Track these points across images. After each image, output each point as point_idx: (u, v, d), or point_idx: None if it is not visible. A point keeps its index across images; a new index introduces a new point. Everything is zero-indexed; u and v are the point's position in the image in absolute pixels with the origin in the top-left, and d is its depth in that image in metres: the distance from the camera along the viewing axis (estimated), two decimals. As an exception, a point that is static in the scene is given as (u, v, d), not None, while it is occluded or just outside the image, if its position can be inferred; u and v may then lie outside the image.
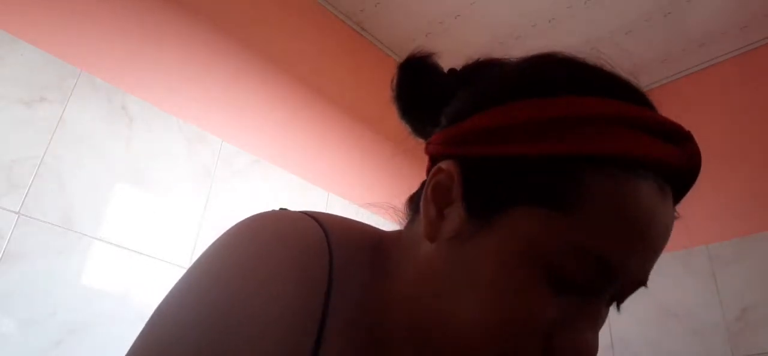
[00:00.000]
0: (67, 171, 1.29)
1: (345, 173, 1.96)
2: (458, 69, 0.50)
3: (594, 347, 0.38)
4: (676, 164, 0.38)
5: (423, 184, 0.46)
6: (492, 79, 0.44)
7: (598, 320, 0.39)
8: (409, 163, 1.98)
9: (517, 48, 2.20)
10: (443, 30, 2.19)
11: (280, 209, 0.45)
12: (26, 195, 1.21)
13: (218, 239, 0.41)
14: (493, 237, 0.39)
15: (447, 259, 0.41)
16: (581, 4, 2.03)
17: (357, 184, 1.98)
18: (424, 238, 0.42)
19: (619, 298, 0.41)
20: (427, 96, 0.48)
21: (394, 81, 0.50)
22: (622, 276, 0.37)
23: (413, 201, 0.49)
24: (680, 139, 0.39)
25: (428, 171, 0.46)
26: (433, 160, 0.45)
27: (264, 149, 1.74)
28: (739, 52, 2.16)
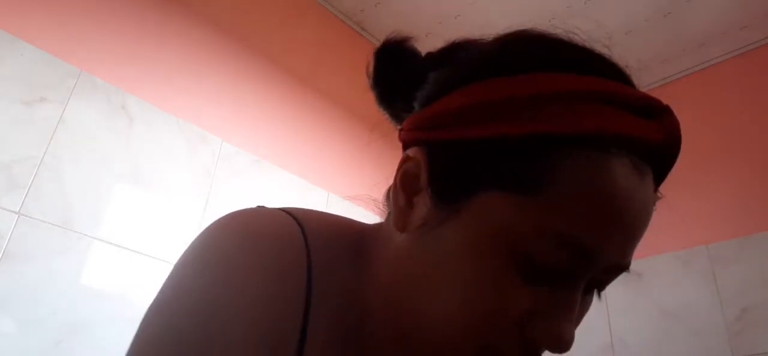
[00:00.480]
0: (67, 171, 1.29)
1: (345, 173, 1.96)
2: (434, 52, 0.48)
3: (570, 335, 0.36)
4: (653, 139, 0.36)
5: None
6: (460, 61, 0.43)
7: (575, 307, 0.37)
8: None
9: (517, 48, 2.20)
10: (443, 30, 2.19)
11: (258, 206, 0.44)
12: (26, 195, 1.21)
13: (194, 243, 0.39)
14: (461, 225, 0.37)
15: (416, 249, 0.40)
16: (581, 4, 2.03)
17: (357, 184, 1.98)
18: (394, 228, 0.41)
19: (600, 285, 0.39)
20: (404, 82, 0.46)
21: (370, 67, 0.48)
22: (600, 261, 0.36)
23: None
24: (657, 113, 0.37)
25: None
26: (405, 147, 0.44)
27: (264, 149, 1.74)
28: (739, 52, 2.16)
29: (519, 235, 0.35)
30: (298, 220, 0.42)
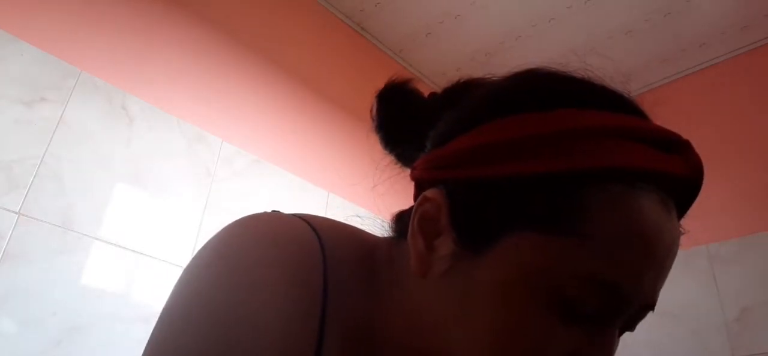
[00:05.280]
0: (67, 171, 1.29)
1: (345, 173, 1.96)
2: (440, 92, 0.48)
3: None
4: (679, 174, 0.36)
5: (411, 208, 0.43)
6: (477, 98, 0.42)
7: (612, 350, 0.36)
8: (409, 163, 1.98)
9: (517, 48, 2.20)
10: (443, 30, 2.19)
11: (273, 211, 0.43)
12: (26, 195, 1.21)
13: (209, 246, 0.39)
14: (489, 269, 0.36)
15: (440, 293, 0.38)
16: (581, 4, 2.03)
17: (357, 184, 1.98)
18: (415, 274, 0.39)
19: (629, 325, 0.38)
20: (410, 123, 0.45)
21: (373, 111, 0.47)
22: (634, 301, 0.35)
23: (400, 221, 0.46)
24: (679, 148, 0.37)
25: (415, 199, 0.42)
26: (419, 186, 0.42)
27: (264, 149, 1.74)
28: (739, 52, 2.16)
29: (552, 277, 0.34)
30: (316, 230, 0.41)
